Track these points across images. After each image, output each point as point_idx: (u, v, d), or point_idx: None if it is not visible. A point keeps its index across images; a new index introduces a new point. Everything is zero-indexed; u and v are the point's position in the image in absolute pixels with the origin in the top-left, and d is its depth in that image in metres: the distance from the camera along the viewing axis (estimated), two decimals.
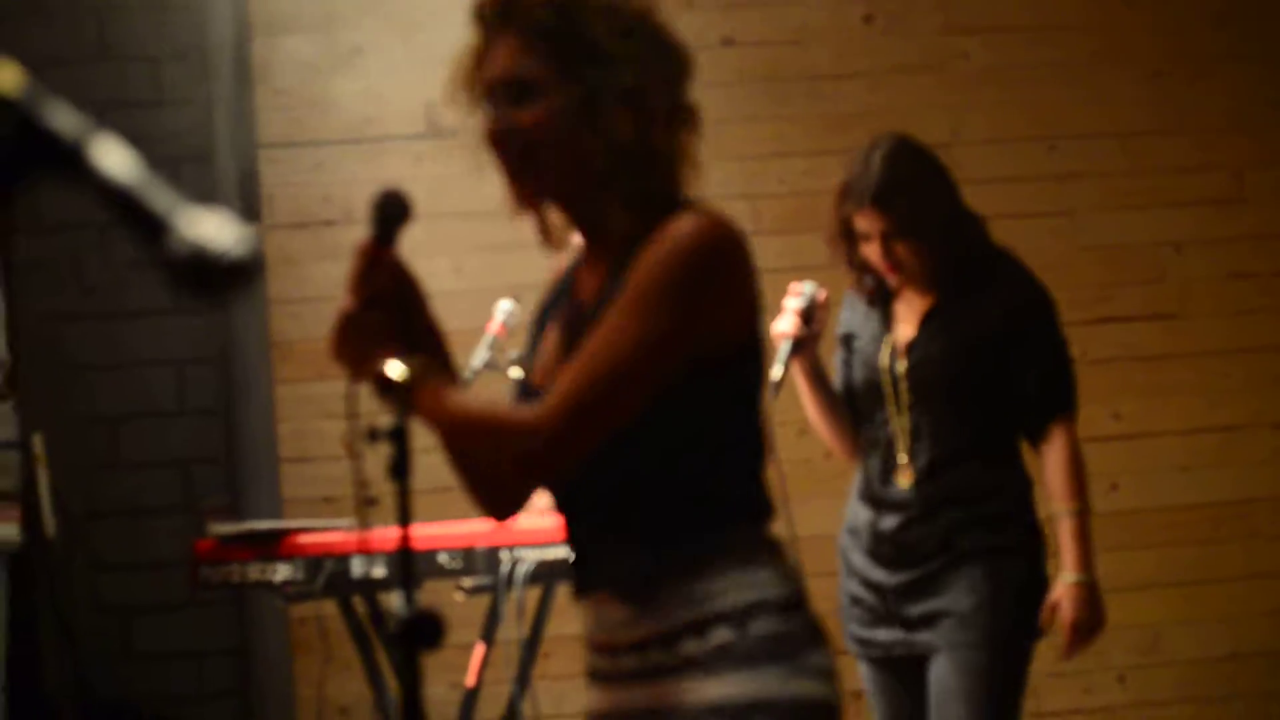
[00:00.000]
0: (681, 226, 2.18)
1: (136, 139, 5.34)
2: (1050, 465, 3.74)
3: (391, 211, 2.31)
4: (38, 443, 4.83)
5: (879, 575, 3.75)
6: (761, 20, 5.60)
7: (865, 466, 3.81)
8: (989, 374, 3.71)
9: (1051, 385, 3.74)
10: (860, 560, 3.78)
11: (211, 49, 5.52)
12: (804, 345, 3.75)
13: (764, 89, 5.55)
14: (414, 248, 5.95)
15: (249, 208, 5.52)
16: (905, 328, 3.78)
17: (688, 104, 2.27)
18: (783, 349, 3.74)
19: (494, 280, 5.26)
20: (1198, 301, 5.73)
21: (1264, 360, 5.72)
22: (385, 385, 2.23)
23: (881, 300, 3.82)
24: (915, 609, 3.71)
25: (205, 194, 5.39)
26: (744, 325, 2.26)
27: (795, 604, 2.25)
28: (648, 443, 2.23)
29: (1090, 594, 3.69)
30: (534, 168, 2.25)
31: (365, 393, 2.28)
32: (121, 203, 1.30)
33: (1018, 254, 3.84)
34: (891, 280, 3.76)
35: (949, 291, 3.75)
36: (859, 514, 3.81)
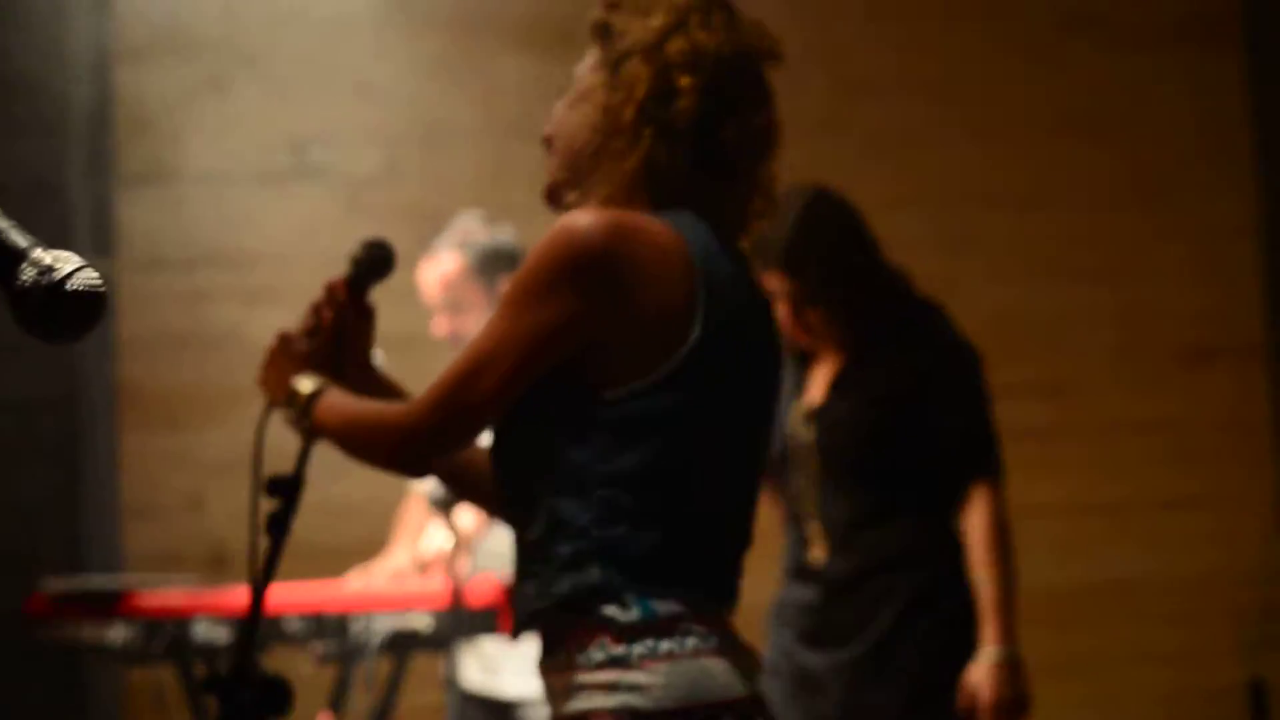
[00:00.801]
0: (565, 221, 2.13)
1: None
2: (971, 530, 3.64)
3: (375, 260, 2.44)
4: None
5: (804, 657, 3.65)
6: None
7: (789, 538, 3.73)
8: (902, 434, 3.62)
9: (971, 445, 3.66)
10: (787, 637, 3.69)
11: (69, 76, 5.44)
12: None
13: None
14: (277, 291, 5.85)
15: (102, 244, 5.43)
16: (816, 391, 3.71)
17: (697, 93, 2.18)
18: None
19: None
20: (1088, 376, 5.79)
21: (1152, 438, 5.78)
22: (290, 399, 2.35)
23: (797, 362, 3.74)
24: (837, 701, 3.60)
25: (56, 228, 5.28)
26: (646, 346, 2.11)
27: (677, 714, 2.07)
28: (541, 480, 2.15)
29: (1011, 671, 3.57)
30: (549, 160, 2.29)
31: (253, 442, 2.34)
32: None
33: (945, 309, 3.77)
34: (802, 343, 3.70)
35: (860, 352, 3.67)
36: (788, 589, 3.72)
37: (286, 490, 2.35)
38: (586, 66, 2.27)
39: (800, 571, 3.68)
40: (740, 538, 2.21)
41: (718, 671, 2.10)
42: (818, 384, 3.72)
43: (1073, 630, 5.67)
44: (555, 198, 2.28)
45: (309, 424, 2.33)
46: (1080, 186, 5.81)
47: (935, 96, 5.76)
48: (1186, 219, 5.86)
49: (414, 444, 2.22)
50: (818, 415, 3.67)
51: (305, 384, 2.35)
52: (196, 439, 5.41)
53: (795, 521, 3.70)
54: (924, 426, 3.63)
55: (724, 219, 2.23)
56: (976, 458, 3.67)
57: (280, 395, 2.37)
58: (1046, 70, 5.84)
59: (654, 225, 2.15)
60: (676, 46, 2.19)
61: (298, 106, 5.54)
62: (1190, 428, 5.80)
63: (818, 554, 3.64)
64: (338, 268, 5.87)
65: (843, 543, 3.62)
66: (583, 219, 2.12)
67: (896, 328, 3.70)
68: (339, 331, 2.43)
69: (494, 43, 5.48)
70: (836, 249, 3.65)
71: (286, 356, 2.40)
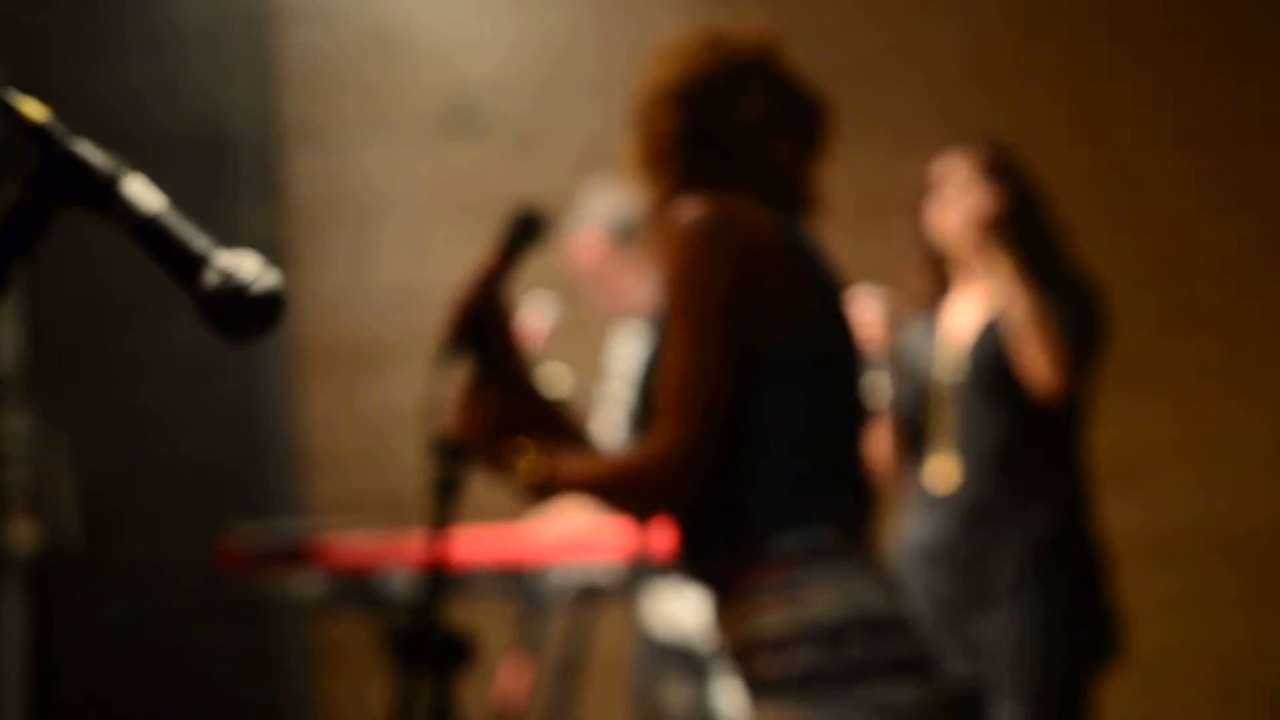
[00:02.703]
0: (681, 221, 2.39)
1: (150, 126, 5.39)
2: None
3: (528, 231, 2.53)
4: (59, 444, 4.87)
5: (942, 587, 3.76)
6: (800, 19, 5.64)
7: (916, 474, 3.85)
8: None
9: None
10: (925, 574, 3.79)
11: (235, 34, 5.57)
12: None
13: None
14: (445, 243, 5.98)
15: (271, 201, 5.58)
16: (965, 324, 3.83)
17: (677, 110, 2.53)
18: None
19: (527, 276, 5.30)
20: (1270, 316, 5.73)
21: None
22: (522, 473, 2.40)
23: (932, 308, 3.91)
24: (971, 632, 3.74)
25: (225, 186, 5.44)
26: (774, 304, 2.39)
27: (847, 631, 2.29)
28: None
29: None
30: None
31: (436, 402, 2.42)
32: (154, 239, 1.38)
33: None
34: (934, 242, 3.83)
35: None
36: (915, 525, 3.83)
37: (457, 452, 2.41)
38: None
39: (932, 504, 3.80)
40: (866, 479, 2.46)
41: (873, 593, 2.33)
42: (965, 317, 3.84)
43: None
44: None
45: (549, 492, 2.41)
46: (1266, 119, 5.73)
47: (1110, 33, 5.71)
48: None
49: (683, 477, 2.33)
50: (976, 345, 3.79)
51: (532, 459, 2.40)
52: (373, 390, 5.56)
53: (927, 455, 3.81)
54: None
55: (777, 200, 2.51)
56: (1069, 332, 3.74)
57: (498, 462, 2.42)
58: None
59: (745, 204, 2.44)
60: (652, 85, 2.58)
61: (462, 59, 5.64)
62: None
63: (951, 486, 3.75)
64: (501, 218, 6.00)
65: (977, 476, 3.73)
66: (690, 210, 2.40)
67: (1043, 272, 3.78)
68: (493, 318, 2.49)
69: None
70: (1035, 198, 3.85)
71: (488, 407, 2.44)
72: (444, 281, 5.41)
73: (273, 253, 5.43)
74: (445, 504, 2.41)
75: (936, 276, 3.89)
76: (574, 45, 5.67)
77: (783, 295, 2.39)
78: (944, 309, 3.89)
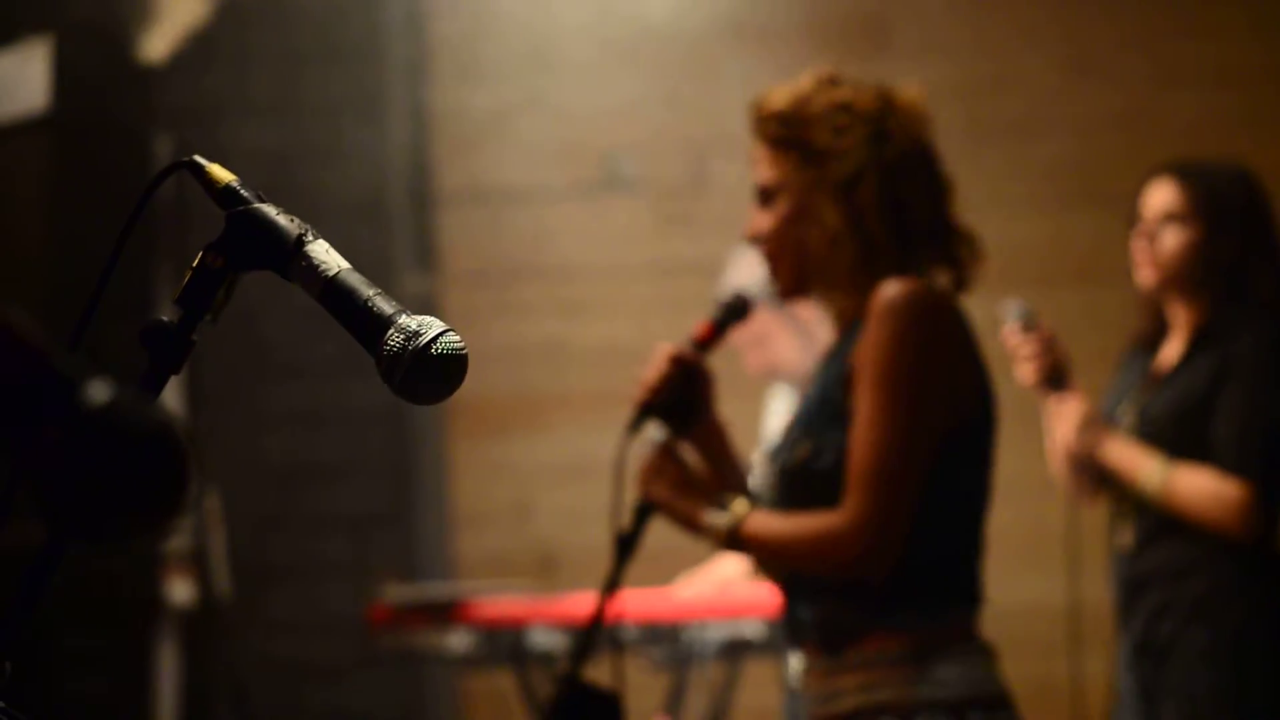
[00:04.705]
0: (892, 296, 2.39)
1: (308, 189, 5.50)
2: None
3: (739, 312, 2.68)
4: (213, 501, 4.97)
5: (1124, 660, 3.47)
6: (960, 66, 5.65)
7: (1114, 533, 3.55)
8: (1199, 441, 3.38)
9: (1240, 441, 3.34)
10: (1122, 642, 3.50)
11: (387, 99, 5.70)
12: (1059, 379, 3.45)
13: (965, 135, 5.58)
14: (594, 302, 6.01)
15: (424, 261, 5.68)
16: (1151, 381, 3.52)
17: (915, 187, 2.48)
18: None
19: (679, 337, 5.34)
20: None
21: None
22: (712, 530, 2.47)
23: (1146, 351, 3.57)
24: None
25: (380, 248, 5.55)
26: (972, 396, 2.43)
27: (967, 708, 2.32)
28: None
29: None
30: (776, 266, 2.58)
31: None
32: (338, 301, 1.44)
33: None
34: (1149, 277, 3.45)
35: (1200, 341, 3.43)
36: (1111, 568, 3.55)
37: (646, 510, 2.51)
38: (782, 177, 2.54)
39: (1114, 559, 3.52)
40: (983, 554, 2.48)
41: (991, 670, 2.40)
42: (1156, 372, 3.53)
43: None
44: (793, 295, 2.61)
45: (736, 547, 2.47)
46: None
47: (1247, 88, 5.66)
48: None
49: (876, 554, 2.35)
50: (1143, 405, 3.47)
51: (724, 517, 2.45)
52: (523, 447, 5.62)
53: (1115, 517, 3.53)
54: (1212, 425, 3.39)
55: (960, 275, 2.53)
56: (1241, 455, 3.34)
57: (683, 513, 2.49)
58: None
59: (944, 286, 2.49)
60: (892, 155, 2.48)
61: (610, 122, 5.71)
62: None
63: (1126, 539, 3.47)
64: (652, 276, 6.01)
65: (1146, 536, 3.42)
66: (900, 287, 2.41)
67: (1244, 321, 3.42)
68: (693, 388, 2.58)
69: (805, 51, 5.55)
70: (1260, 230, 3.45)
71: (675, 479, 2.51)
72: (596, 340, 5.51)
73: (427, 311, 5.51)
74: (621, 562, 2.48)
75: (1150, 313, 3.54)
76: (725, 106, 5.72)
77: (973, 382, 2.43)
78: (1160, 349, 3.52)
